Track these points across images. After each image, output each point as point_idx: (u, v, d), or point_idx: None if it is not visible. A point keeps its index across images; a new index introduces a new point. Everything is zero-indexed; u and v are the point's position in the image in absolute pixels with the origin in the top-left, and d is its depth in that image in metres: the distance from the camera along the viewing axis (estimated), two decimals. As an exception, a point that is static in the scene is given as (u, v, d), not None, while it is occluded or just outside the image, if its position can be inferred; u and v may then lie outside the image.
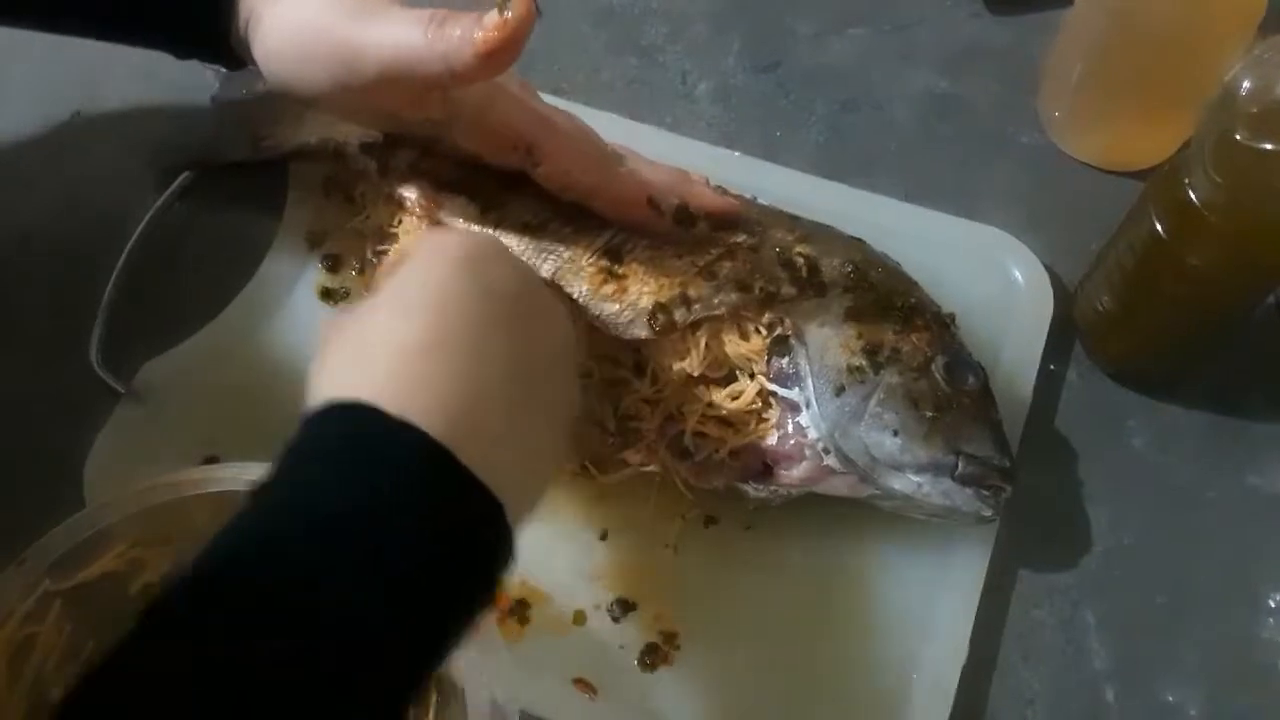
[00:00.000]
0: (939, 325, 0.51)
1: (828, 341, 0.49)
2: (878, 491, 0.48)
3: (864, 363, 0.48)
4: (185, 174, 0.61)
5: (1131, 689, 0.49)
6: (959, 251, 0.57)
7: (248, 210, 0.60)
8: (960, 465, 0.47)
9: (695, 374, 0.49)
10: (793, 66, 0.66)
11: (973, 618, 0.49)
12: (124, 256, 0.58)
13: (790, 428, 0.49)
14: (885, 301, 0.50)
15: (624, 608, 0.50)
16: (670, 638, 0.49)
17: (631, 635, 0.49)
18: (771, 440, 0.49)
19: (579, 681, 0.48)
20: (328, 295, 0.57)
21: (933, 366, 0.49)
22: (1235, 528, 0.52)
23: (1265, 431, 0.54)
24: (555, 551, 0.51)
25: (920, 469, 0.47)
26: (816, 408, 0.48)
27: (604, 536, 0.51)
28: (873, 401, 0.48)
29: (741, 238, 0.51)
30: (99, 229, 0.59)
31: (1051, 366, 0.56)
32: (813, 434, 0.48)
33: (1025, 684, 0.49)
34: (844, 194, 0.59)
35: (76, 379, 0.55)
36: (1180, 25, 0.52)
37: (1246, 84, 0.41)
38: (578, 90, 0.64)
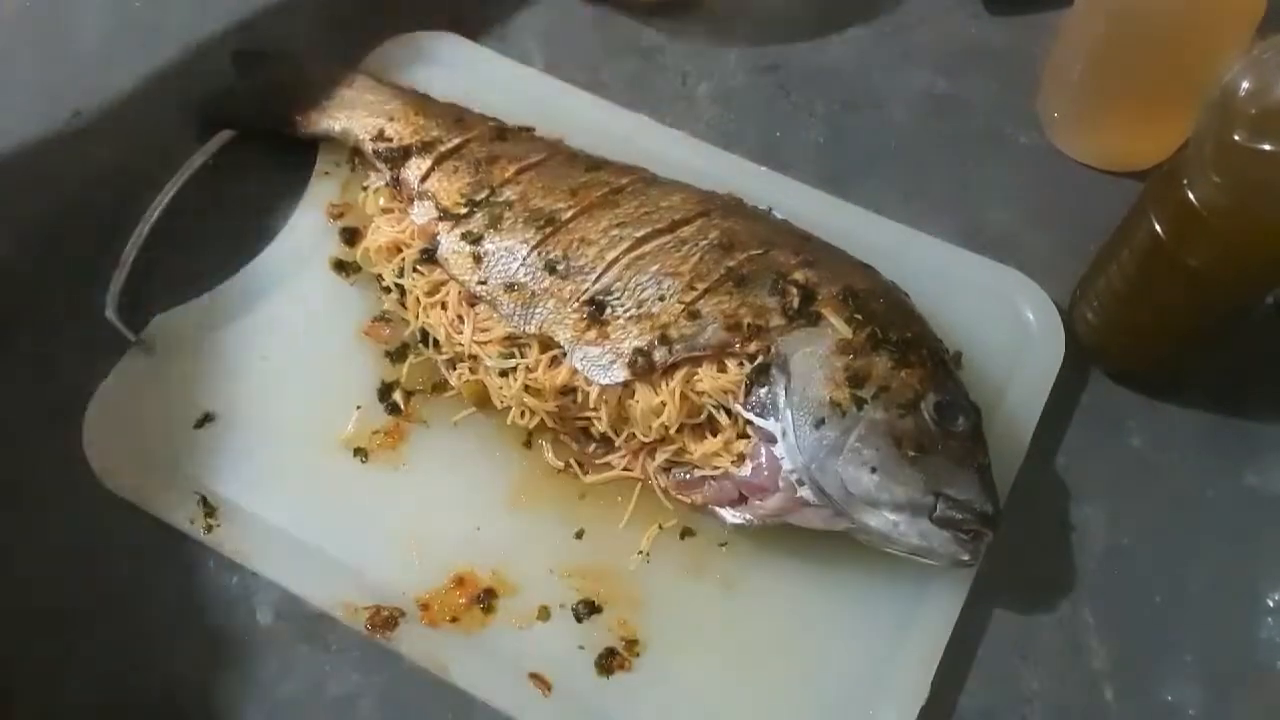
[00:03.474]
0: (935, 362, 0.50)
1: (812, 373, 0.48)
2: (853, 526, 0.47)
3: (847, 396, 0.47)
4: (225, 132, 0.61)
5: (1130, 688, 0.49)
6: (973, 288, 0.56)
7: (274, 178, 0.61)
8: (939, 507, 0.46)
9: (673, 429, 0.49)
10: (793, 66, 0.66)
11: (937, 663, 0.48)
12: (152, 210, 0.58)
13: (765, 458, 0.48)
14: (881, 335, 0.49)
15: (589, 609, 0.50)
16: (631, 645, 0.49)
17: (593, 637, 0.49)
18: (745, 471, 0.49)
19: (535, 677, 0.48)
20: (340, 268, 0.58)
21: (922, 404, 0.48)
22: (1234, 527, 0.52)
23: (1264, 431, 0.54)
24: (530, 544, 0.51)
25: (897, 508, 0.46)
26: (794, 439, 0.47)
27: (580, 535, 0.51)
28: (852, 436, 0.47)
29: (741, 257, 0.51)
30: (110, 211, 0.59)
31: (1051, 367, 0.56)
32: (787, 465, 0.48)
33: (1025, 683, 0.49)
34: (861, 218, 0.59)
35: (89, 328, 0.55)
36: (1179, 26, 0.52)
37: (1245, 85, 0.41)
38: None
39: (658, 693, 0.48)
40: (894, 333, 0.49)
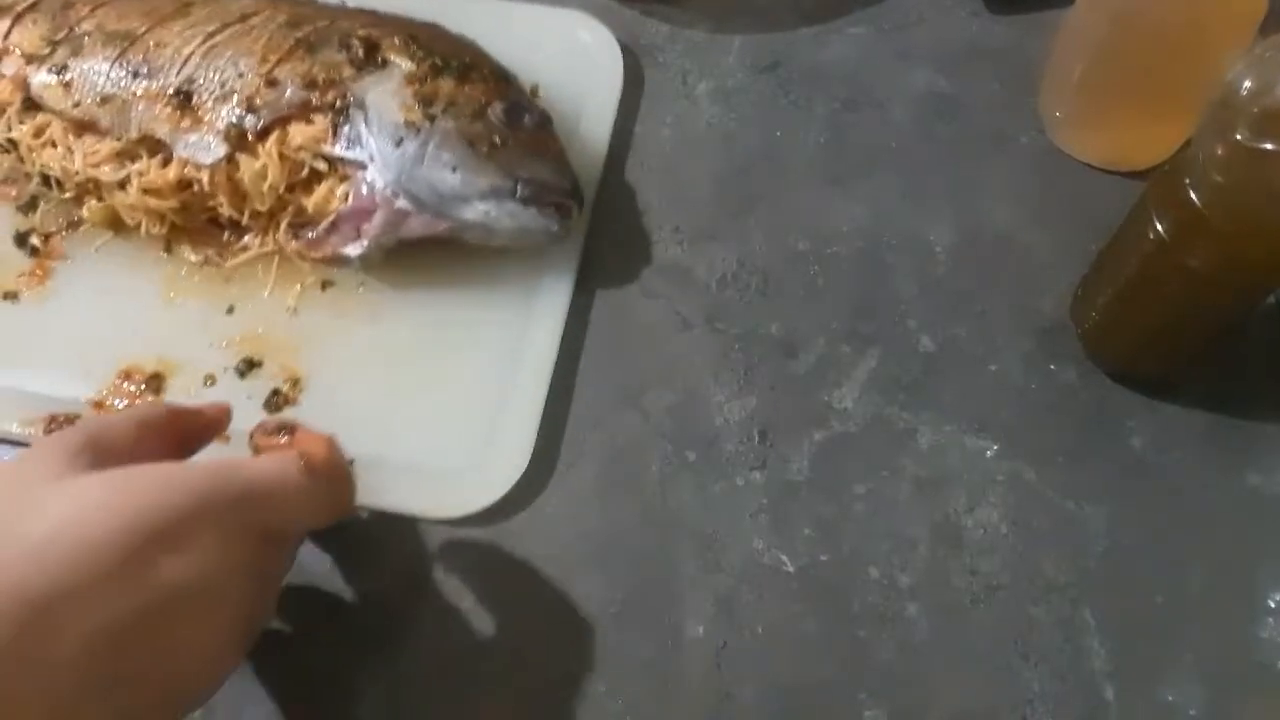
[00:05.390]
0: (498, 79, 0.57)
1: (386, 104, 0.55)
2: (454, 224, 0.54)
3: (420, 115, 0.54)
4: None
5: (1131, 689, 0.49)
6: (542, 32, 0.65)
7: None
8: (520, 188, 0.54)
9: (281, 189, 0.55)
10: (793, 66, 0.66)
11: (557, 340, 0.55)
12: None
13: (363, 187, 0.54)
14: (443, 63, 0.56)
15: (249, 365, 0.56)
16: (294, 382, 0.55)
17: (258, 386, 0.55)
18: (349, 203, 0.55)
19: None
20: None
21: (489, 111, 0.55)
22: (1235, 528, 0.52)
23: (1265, 431, 0.54)
24: (186, 330, 0.57)
25: (483, 196, 0.54)
26: (380, 160, 0.54)
27: (231, 310, 0.57)
28: (431, 145, 0.54)
29: (309, 29, 0.56)
30: None
31: (1051, 366, 0.56)
32: (380, 184, 0.54)
33: (1025, 684, 0.49)
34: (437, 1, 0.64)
35: None
36: (1181, 25, 0.52)
37: (1247, 84, 0.41)
38: (577, 89, 0.64)
39: (323, 415, 0.52)
40: (455, 60, 0.56)
